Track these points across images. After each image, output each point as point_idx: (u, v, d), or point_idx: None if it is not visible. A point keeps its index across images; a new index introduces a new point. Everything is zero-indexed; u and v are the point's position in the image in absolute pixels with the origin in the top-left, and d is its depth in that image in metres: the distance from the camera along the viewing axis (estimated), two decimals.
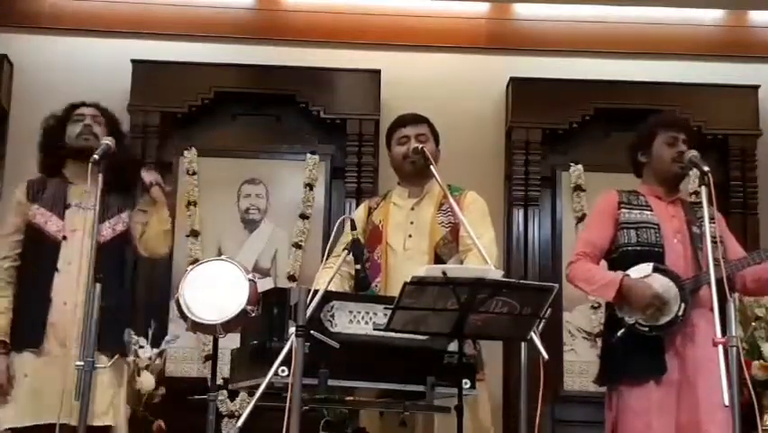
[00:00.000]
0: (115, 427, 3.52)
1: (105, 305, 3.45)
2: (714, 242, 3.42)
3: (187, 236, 5.38)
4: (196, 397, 3.43)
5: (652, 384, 3.55)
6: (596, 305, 5.25)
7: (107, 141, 3.45)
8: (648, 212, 3.76)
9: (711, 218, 3.41)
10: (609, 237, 3.78)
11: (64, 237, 3.42)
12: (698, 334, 3.57)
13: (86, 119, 3.74)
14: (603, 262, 3.83)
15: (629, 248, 3.72)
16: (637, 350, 3.61)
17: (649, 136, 3.85)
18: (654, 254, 3.67)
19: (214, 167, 5.54)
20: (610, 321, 3.77)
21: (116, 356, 3.49)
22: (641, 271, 3.65)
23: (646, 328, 3.61)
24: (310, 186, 5.51)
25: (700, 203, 3.34)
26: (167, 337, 4.77)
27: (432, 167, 3.72)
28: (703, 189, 3.35)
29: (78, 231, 3.59)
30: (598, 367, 3.88)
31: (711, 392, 3.33)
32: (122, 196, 3.73)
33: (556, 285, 2.91)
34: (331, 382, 2.97)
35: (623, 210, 3.78)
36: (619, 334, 3.66)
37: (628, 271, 3.67)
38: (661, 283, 3.61)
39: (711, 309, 3.13)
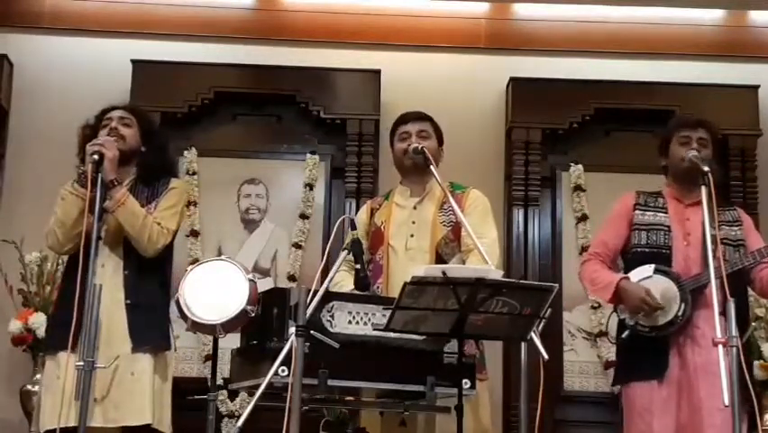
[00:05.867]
0: (158, 424, 3.51)
1: (133, 302, 3.52)
2: (714, 239, 3.42)
3: (187, 236, 5.38)
4: (196, 397, 3.42)
5: (654, 384, 3.57)
6: (596, 305, 5.26)
7: (100, 150, 3.45)
8: (662, 214, 3.78)
9: (732, 220, 3.42)
10: (623, 238, 3.81)
11: (99, 238, 3.41)
12: (701, 337, 3.58)
13: (112, 122, 3.69)
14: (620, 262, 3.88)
15: (639, 249, 3.75)
16: (641, 350, 3.64)
17: (666, 139, 3.86)
18: (662, 256, 3.69)
19: (214, 167, 5.55)
20: (619, 324, 3.79)
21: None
22: (642, 272, 3.67)
23: (647, 329, 3.63)
24: (310, 186, 5.51)
25: (721, 205, 3.33)
26: None
27: (432, 167, 3.72)
28: (703, 189, 3.35)
29: (108, 232, 3.59)
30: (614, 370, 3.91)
31: (712, 396, 3.35)
32: (152, 190, 3.72)
33: (556, 285, 2.92)
34: (331, 382, 2.98)
35: (637, 212, 3.81)
36: (624, 335, 3.70)
37: (630, 273, 3.69)
38: (661, 284, 3.62)
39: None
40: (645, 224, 3.78)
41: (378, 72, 5.57)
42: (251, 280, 3.30)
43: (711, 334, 3.40)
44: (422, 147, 3.77)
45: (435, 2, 5.81)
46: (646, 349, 3.63)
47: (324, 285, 3.04)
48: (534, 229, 5.50)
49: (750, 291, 3.92)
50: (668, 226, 3.74)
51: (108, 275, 3.52)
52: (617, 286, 3.67)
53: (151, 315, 3.57)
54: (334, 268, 3.24)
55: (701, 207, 3.72)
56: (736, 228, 3.72)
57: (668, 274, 3.64)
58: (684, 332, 3.60)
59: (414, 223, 3.82)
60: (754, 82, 5.61)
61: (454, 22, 5.85)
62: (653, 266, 3.66)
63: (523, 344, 3.10)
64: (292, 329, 2.82)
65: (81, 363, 3.18)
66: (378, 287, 3.72)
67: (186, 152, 5.49)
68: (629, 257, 3.80)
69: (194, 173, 5.49)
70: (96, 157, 3.43)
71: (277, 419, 2.79)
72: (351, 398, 3.35)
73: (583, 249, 5.27)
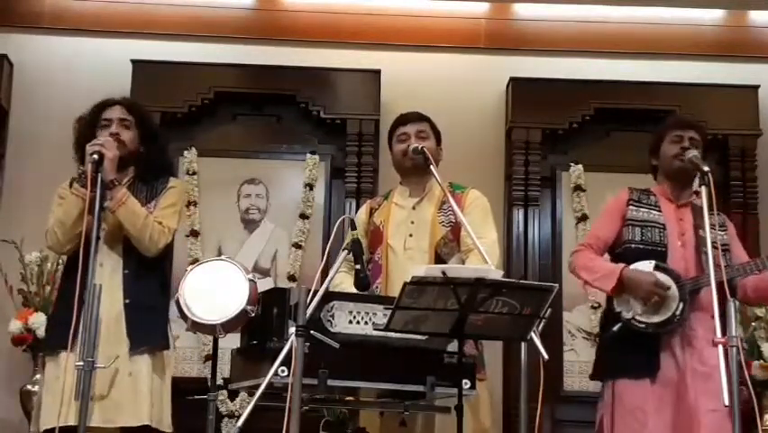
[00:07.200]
0: (158, 424, 3.51)
1: (132, 302, 3.52)
2: (715, 246, 3.41)
3: (187, 236, 5.38)
4: (196, 397, 3.43)
5: (647, 382, 3.56)
6: (596, 305, 5.25)
7: (100, 150, 3.44)
8: (656, 212, 3.78)
9: (717, 225, 3.42)
10: (615, 232, 3.80)
11: (98, 238, 3.40)
12: (695, 339, 3.57)
13: (112, 125, 3.66)
14: (606, 256, 3.85)
15: (633, 245, 3.74)
16: (633, 346, 3.62)
17: (658, 139, 3.87)
18: (657, 253, 3.68)
19: (214, 167, 5.55)
20: (607, 316, 3.77)
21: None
22: (642, 267, 3.65)
23: (643, 325, 3.61)
24: (310, 186, 5.51)
25: (710, 208, 3.33)
26: None
27: (432, 167, 3.72)
28: (703, 190, 3.35)
29: (108, 231, 3.58)
30: (594, 362, 3.89)
31: (707, 397, 3.36)
32: (151, 189, 3.71)
33: (556, 285, 2.91)
34: (331, 382, 2.98)
35: (631, 207, 3.80)
36: (615, 328, 3.66)
37: (630, 266, 3.67)
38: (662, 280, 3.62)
39: (711, 316, 3.13)
40: (639, 220, 3.77)
41: (378, 72, 5.57)
42: (251, 281, 3.30)
43: (706, 336, 3.42)
44: (422, 147, 3.77)
45: (435, 2, 5.81)
46: (637, 345, 3.61)
47: (325, 285, 3.04)
48: (534, 229, 5.50)
49: None
50: (662, 224, 3.74)
51: (107, 274, 3.52)
52: (622, 274, 3.64)
53: (150, 315, 3.57)
54: (334, 268, 3.24)
55: (693, 207, 3.74)
56: (722, 233, 3.71)
57: (668, 272, 3.63)
58: (678, 333, 3.59)
59: (413, 223, 3.82)
60: (754, 82, 5.62)
61: (454, 22, 5.85)
62: (653, 262, 3.65)
63: (523, 344, 3.11)
64: (292, 329, 2.82)
65: (81, 363, 3.18)
66: (377, 286, 3.72)
67: (186, 152, 5.49)
68: (621, 252, 3.77)
69: (194, 173, 5.49)
70: (95, 157, 3.43)
71: (277, 419, 2.79)
72: (351, 398, 3.35)
73: None
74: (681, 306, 3.58)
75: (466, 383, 3.06)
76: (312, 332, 2.89)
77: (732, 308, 3.03)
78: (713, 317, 3.10)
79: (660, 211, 3.78)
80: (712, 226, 3.33)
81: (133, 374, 3.47)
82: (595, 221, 4.19)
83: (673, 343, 3.59)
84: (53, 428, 3.28)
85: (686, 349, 3.58)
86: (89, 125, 3.69)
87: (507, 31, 5.89)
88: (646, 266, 3.65)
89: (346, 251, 3.28)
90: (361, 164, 5.49)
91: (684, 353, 3.57)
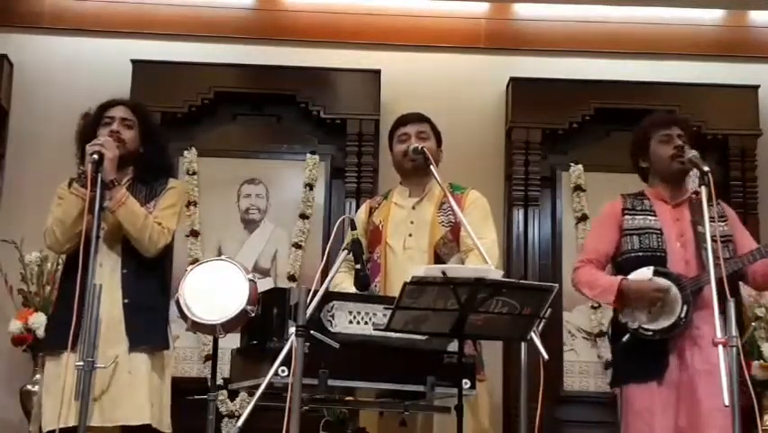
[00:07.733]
0: (158, 424, 3.51)
1: (131, 301, 3.52)
2: (714, 241, 3.41)
3: (187, 236, 5.38)
4: (196, 397, 3.43)
5: (654, 385, 3.56)
6: (596, 305, 5.25)
7: (99, 150, 3.44)
8: (652, 217, 3.76)
9: (713, 218, 3.41)
10: (613, 243, 3.79)
11: (97, 237, 3.39)
12: (700, 337, 3.57)
13: (113, 123, 3.66)
14: (608, 268, 3.85)
15: (632, 254, 3.73)
16: (641, 353, 3.62)
17: (644, 140, 3.85)
18: (657, 259, 3.67)
19: (215, 167, 5.55)
20: (616, 326, 3.77)
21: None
22: (641, 275, 3.65)
23: (650, 333, 3.61)
24: (310, 186, 5.51)
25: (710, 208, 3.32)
26: None
27: (432, 167, 3.72)
28: (703, 189, 3.34)
29: (107, 231, 3.57)
30: (611, 373, 3.89)
31: (712, 396, 3.34)
32: (150, 190, 3.71)
33: (556, 285, 2.91)
34: (331, 382, 2.98)
35: (626, 217, 3.78)
36: (625, 339, 3.67)
37: (629, 276, 3.67)
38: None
39: None
40: (636, 228, 3.75)
41: (378, 72, 5.57)
42: (251, 280, 3.30)
43: (710, 333, 3.41)
44: (422, 147, 3.77)
45: (435, 2, 5.81)
46: (646, 351, 3.62)
47: (325, 285, 3.04)
48: (534, 229, 5.50)
49: (749, 292, 3.92)
50: (659, 229, 3.72)
51: (106, 274, 3.52)
52: (621, 286, 3.65)
53: (149, 314, 3.57)
54: (335, 268, 3.23)
55: (691, 203, 3.74)
56: (722, 224, 3.70)
57: (668, 276, 3.63)
58: (684, 333, 3.59)
59: (412, 223, 3.82)
60: (754, 82, 5.61)
61: (454, 22, 5.85)
62: (651, 268, 3.64)
63: (523, 344, 3.10)
64: (292, 329, 2.82)
65: (81, 363, 3.18)
66: (375, 285, 3.72)
67: (186, 152, 5.49)
68: (621, 262, 3.77)
69: (194, 173, 5.49)
70: (95, 157, 3.43)
71: (277, 419, 2.79)
72: (351, 398, 3.35)
73: None
74: (685, 308, 3.57)
75: (466, 383, 3.06)
76: (312, 332, 2.89)
77: (732, 308, 3.03)
78: None
79: (655, 215, 3.76)
80: (711, 219, 3.32)
81: (132, 372, 3.47)
82: (591, 232, 4.18)
83: (679, 344, 3.59)
84: (54, 430, 3.28)
85: (691, 349, 3.58)
86: (92, 123, 3.69)
87: (507, 31, 5.89)
88: (645, 273, 3.65)
89: (346, 251, 3.28)
90: (361, 164, 5.49)
91: (690, 353, 3.57)
